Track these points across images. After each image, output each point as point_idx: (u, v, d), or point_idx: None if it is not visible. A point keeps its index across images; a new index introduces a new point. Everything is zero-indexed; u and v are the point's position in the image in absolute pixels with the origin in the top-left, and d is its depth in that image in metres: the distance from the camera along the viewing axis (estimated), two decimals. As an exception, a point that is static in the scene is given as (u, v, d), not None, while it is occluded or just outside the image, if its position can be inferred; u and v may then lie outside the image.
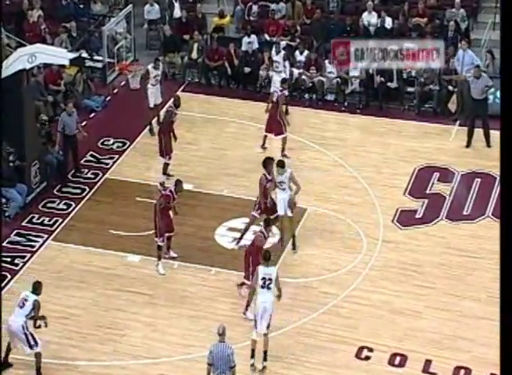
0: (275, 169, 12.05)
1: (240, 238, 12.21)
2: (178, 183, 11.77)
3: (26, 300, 10.00)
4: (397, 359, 10.45)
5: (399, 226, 12.87)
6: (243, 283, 11.20)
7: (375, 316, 11.12)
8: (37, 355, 9.98)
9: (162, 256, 11.80)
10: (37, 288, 10.08)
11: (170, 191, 11.72)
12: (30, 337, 9.89)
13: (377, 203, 13.34)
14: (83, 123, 15.47)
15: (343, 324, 10.95)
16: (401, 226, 12.89)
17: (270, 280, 10.10)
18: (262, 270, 10.13)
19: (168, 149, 13.53)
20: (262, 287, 10.09)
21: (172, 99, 14.01)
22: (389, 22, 17.06)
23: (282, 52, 15.79)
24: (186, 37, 17.29)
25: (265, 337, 10.14)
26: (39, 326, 9.98)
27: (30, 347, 9.89)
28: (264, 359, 10.18)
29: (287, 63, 15.87)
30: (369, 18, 17.20)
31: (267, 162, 12.13)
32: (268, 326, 10.15)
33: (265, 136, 14.50)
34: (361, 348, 10.58)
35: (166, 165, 13.61)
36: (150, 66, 14.68)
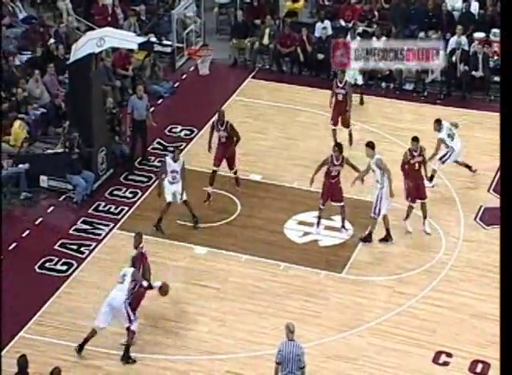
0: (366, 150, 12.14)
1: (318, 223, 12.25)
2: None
3: (125, 275, 10.30)
4: (479, 367, 10.17)
5: (482, 225, 12.52)
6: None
7: (455, 319, 10.85)
8: (131, 333, 10.20)
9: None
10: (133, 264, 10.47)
11: None
12: (130, 313, 10.15)
13: (458, 199, 13.00)
14: (151, 109, 15.68)
15: (419, 326, 10.73)
16: (484, 224, 12.53)
17: None
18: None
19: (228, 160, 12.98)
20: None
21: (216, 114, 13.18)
22: (475, 7, 16.58)
23: (359, 38, 15.52)
24: (258, 21, 17.24)
25: None
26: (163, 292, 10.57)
27: (130, 322, 10.14)
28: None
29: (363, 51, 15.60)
30: (454, 2, 16.75)
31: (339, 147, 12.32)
32: None
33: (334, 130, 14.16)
34: (439, 353, 10.35)
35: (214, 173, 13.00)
36: (168, 158, 12.39)
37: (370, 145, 12.15)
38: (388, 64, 15.16)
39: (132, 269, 10.41)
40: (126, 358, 10.27)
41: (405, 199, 12.30)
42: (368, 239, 12.07)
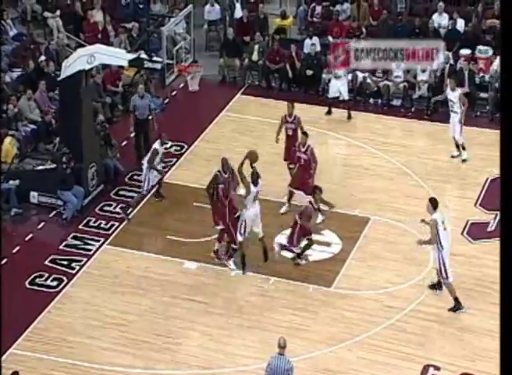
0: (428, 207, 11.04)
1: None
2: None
3: None
4: (467, 380, 10.30)
5: (469, 240, 12.70)
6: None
7: (444, 333, 10.98)
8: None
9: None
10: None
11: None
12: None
13: (445, 214, 13.18)
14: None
15: (408, 340, 10.85)
16: (472, 239, 12.71)
17: None
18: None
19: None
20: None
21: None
22: (461, 24, 16.89)
23: (341, 56, 15.71)
24: (247, 38, 17.48)
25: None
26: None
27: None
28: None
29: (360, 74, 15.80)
30: (440, 20, 17.05)
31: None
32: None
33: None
34: (427, 366, 10.44)
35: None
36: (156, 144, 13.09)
37: (432, 202, 11.07)
38: (388, 64, 15.28)
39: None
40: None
41: None
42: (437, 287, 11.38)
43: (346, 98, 15.75)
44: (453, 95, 14.10)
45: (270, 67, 16.88)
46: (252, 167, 11.90)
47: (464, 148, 14.28)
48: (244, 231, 11.68)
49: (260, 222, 11.85)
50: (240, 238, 11.65)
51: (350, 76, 16.25)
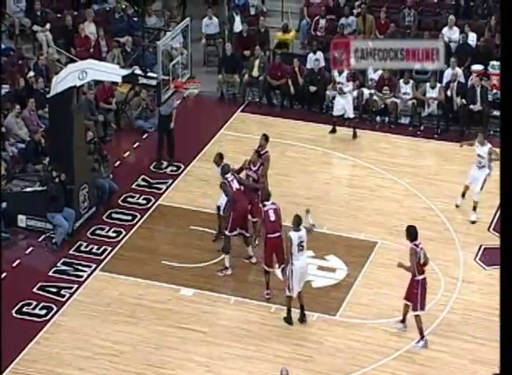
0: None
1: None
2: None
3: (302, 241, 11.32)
4: (480, 414, 10.42)
5: (482, 266, 12.86)
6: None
7: (455, 365, 11.11)
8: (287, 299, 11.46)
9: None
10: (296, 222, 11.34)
11: None
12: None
13: (457, 239, 13.37)
14: (135, 145, 16.08)
15: (417, 372, 10.98)
16: (485, 265, 12.87)
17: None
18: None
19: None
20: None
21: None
22: (472, 38, 17.16)
23: (345, 72, 15.89)
24: (247, 53, 17.79)
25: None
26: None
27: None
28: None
29: (351, 84, 16.02)
30: (450, 34, 17.33)
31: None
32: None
33: None
34: (439, 400, 10.60)
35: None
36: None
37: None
38: (388, 64, 15.47)
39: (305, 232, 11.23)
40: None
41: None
42: None
43: (352, 116, 16.01)
44: (482, 150, 13.63)
45: (271, 83, 17.17)
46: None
47: (475, 209, 13.71)
48: (292, 288, 11.41)
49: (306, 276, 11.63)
50: (292, 293, 11.46)
51: (355, 93, 16.55)
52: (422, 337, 11.29)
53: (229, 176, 12.72)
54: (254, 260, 12.80)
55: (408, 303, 11.31)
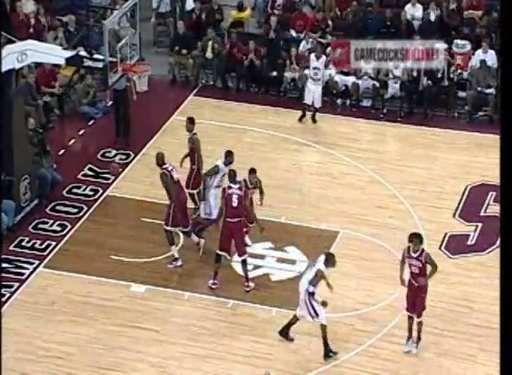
0: None
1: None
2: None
3: (314, 265, 10.90)
4: (446, 410, 10.51)
5: (448, 255, 12.95)
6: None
7: (420, 358, 11.16)
8: (322, 327, 10.90)
9: None
10: (329, 260, 10.88)
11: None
12: (309, 306, 10.83)
13: (421, 227, 13.42)
14: (81, 132, 15.82)
15: (381, 367, 11.02)
16: (450, 254, 12.96)
17: None
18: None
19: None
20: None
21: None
22: (435, 15, 17.23)
23: (323, 58, 15.70)
24: (200, 33, 17.59)
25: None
26: (324, 304, 10.88)
27: (311, 316, 10.91)
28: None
29: (327, 71, 15.94)
30: (413, 11, 17.41)
31: None
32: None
33: None
34: (403, 396, 10.66)
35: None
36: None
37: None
38: (388, 64, 15.65)
39: (320, 266, 10.81)
40: (327, 353, 10.96)
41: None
42: None
43: (318, 106, 15.82)
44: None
45: (226, 64, 16.95)
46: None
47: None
48: (316, 313, 10.92)
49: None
50: (322, 321, 10.97)
51: (346, 79, 16.34)
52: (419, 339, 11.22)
53: (168, 165, 12.53)
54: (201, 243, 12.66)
55: (412, 315, 11.07)
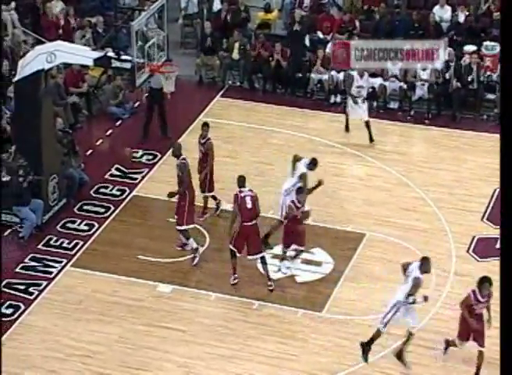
0: None
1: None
2: None
3: (408, 277, 10.62)
4: (472, 416, 10.49)
5: (475, 258, 12.92)
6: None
7: (447, 363, 11.14)
8: (378, 332, 10.76)
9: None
10: (424, 264, 10.57)
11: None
12: (389, 315, 10.67)
13: (449, 230, 13.42)
14: (108, 132, 15.98)
15: (407, 371, 10.97)
16: (478, 257, 12.94)
17: None
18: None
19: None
20: None
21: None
22: (464, 17, 17.14)
23: (366, 74, 15.30)
24: (227, 34, 17.67)
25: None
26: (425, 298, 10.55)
27: (382, 323, 10.76)
28: None
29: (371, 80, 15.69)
30: (441, 13, 17.36)
31: None
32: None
33: None
34: (430, 400, 10.66)
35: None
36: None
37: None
38: (388, 64, 15.66)
39: (416, 274, 10.50)
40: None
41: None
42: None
43: (367, 118, 15.41)
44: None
45: (253, 66, 17.01)
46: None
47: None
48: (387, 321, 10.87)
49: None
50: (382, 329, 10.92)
51: (341, 76, 16.51)
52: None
53: (185, 158, 12.67)
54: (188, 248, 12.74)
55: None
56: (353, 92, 15.35)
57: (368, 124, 15.40)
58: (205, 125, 13.63)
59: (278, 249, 12.85)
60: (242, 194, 12.09)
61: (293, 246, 12.41)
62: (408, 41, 15.48)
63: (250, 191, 12.18)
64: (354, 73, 15.37)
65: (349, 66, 15.54)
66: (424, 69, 16.20)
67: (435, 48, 15.06)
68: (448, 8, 17.42)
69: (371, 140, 15.42)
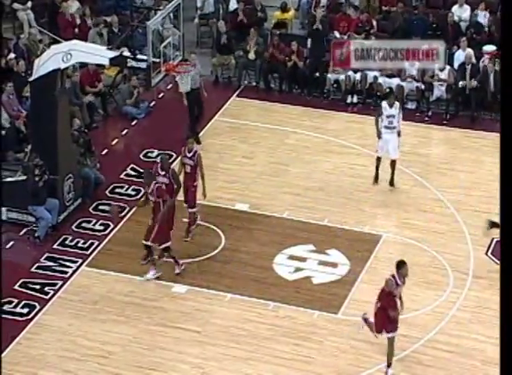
0: None
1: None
2: None
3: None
4: (491, 418, 10.49)
5: (494, 260, 12.88)
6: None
7: (465, 365, 11.15)
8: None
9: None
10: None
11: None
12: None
13: (467, 232, 13.40)
14: (124, 132, 16.08)
15: (423, 374, 11.01)
16: (497, 259, 12.86)
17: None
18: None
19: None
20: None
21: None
22: (484, 16, 17.12)
23: (397, 103, 14.12)
24: (243, 33, 17.74)
25: None
26: None
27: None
28: None
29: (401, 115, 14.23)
30: (460, 12, 17.33)
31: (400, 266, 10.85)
32: None
33: None
34: (447, 404, 10.66)
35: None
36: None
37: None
38: (388, 64, 15.65)
39: None
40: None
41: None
42: None
43: (396, 157, 14.21)
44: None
45: (269, 66, 17.08)
46: None
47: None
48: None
49: None
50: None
51: (358, 76, 16.53)
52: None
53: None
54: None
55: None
56: (385, 123, 14.09)
57: (393, 165, 14.20)
58: (192, 138, 13.53)
59: (295, 250, 12.89)
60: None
61: None
62: (409, 41, 15.52)
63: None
64: (384, 102, 14.21)
65: (348, 66, 15.51)
66: (441, 70, 16.19)
67: (434, 48, 15.04)
68: (467, 8, 17.38)
69: (392, 184, 14.27)
